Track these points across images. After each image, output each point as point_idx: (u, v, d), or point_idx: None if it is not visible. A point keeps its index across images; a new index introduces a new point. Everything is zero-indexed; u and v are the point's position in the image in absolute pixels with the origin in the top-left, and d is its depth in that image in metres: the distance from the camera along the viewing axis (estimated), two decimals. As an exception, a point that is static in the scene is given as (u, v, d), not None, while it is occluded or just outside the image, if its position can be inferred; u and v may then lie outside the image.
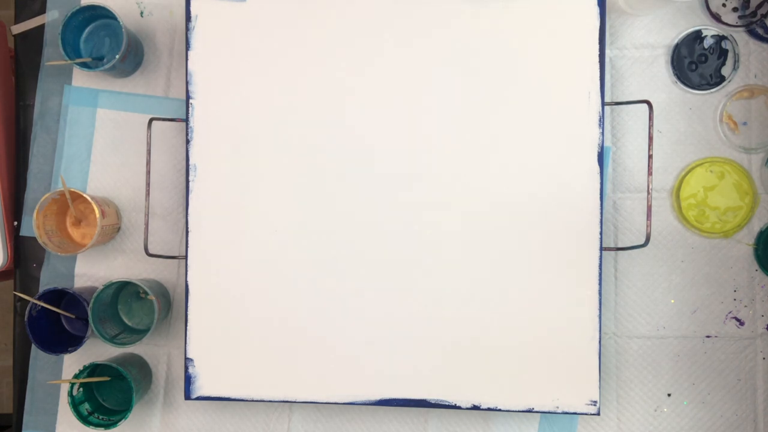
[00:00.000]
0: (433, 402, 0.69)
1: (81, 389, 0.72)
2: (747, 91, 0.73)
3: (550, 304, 0.68)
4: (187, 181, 0.71)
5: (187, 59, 0.71)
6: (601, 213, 0.68)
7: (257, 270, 0.70)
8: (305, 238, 0.70)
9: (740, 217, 0.72)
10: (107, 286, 0.70)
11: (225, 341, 0.70)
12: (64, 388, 0.77)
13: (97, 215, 0.71)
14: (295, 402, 0.70)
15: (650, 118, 0.68)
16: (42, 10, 0.79)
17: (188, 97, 0.71)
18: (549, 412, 0.68)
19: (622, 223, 0.74)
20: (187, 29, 0.71)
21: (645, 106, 0.71)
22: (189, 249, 0.71)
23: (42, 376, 0.77)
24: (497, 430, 0.74)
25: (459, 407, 0.69)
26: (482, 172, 0.69)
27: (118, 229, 0.77)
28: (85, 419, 0.71)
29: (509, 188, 0.69)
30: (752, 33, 0.73)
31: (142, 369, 0.75)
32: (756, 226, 0.73)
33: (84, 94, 0.78)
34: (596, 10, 0.68)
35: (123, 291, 0.77)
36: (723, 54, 0.73)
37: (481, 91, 0.69)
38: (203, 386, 0.70)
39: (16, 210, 0.79)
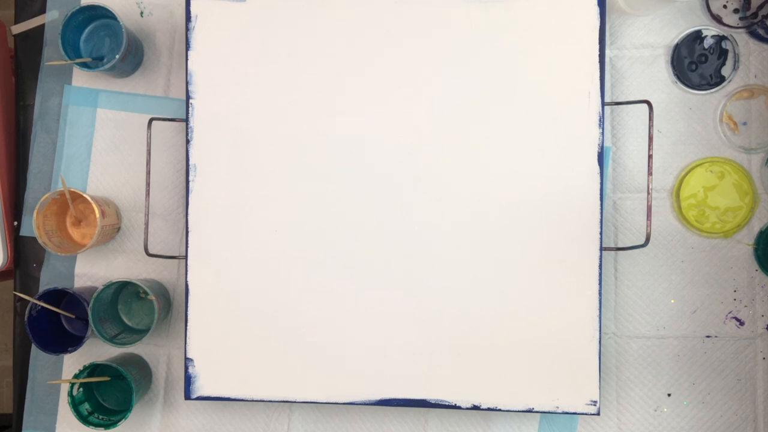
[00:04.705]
0: (433, 402, 0.69)
1: (81, 389, 0.72)
2: (747, 91, 0.73)
3: (550, 304, 0.68)
4: (187, 181, 0.71)
5: (187, 59, 0.71)
6: (601, 213, 0.68)
7: (257, 270, 0.70)
8: (305, 238, 0.70)
9: (740, 217, 0.72)
10: (107, 286, 0.70)
11: (225, 341, 0.70)
12: (64, 388, 0.77)
13: (97, 215, 0.71)
14: (295, 402, 0.70)
15: (650, 118, 0.68)
16: (42, 10, 0.79)
17: (188, 97, 0.71)
18: (549, 412, 0.68)
19: (622, 223, 0.74)
20: (187, 29, 0.71)
21: (645, 106, 0.71)
22: (189, 249, 0.71)
23: (42, 376, 0.77)
24: (497, 430, 0.74)
25: (459, 407, 0.69)
26: (482, 172, 0.69)
27: (118, 229, 0.77)
28: (85, 419, 0.71)
29: (509, 188, 0.69)
30: (753, 34, 0.73)
31: (142, 369, 0.75)
32: (756, 226, 0.73)
33: (84, 94, 0.78)
34: (596, 10, 0.68)
35: (123, 291, 0.77)
36: (723, 54, 0.73)
37: (481, 91, 0.69)
38: (203, 386, 0.70)
39: (16, 210, 0.79)
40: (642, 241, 0.72)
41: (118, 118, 0.78)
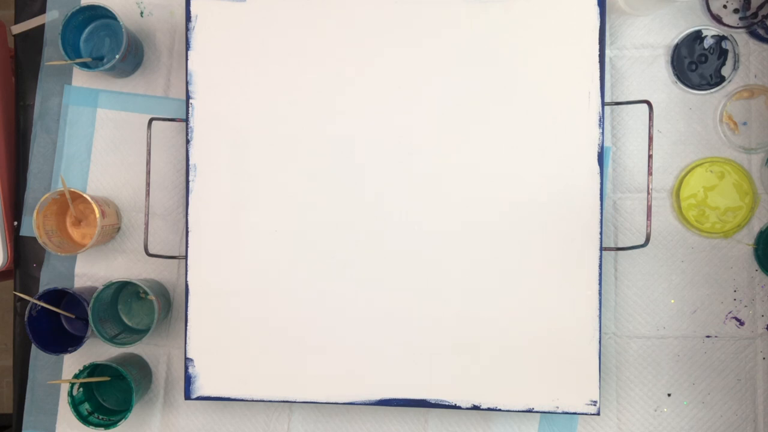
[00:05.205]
0: (433, 402, 0.69)
1: (81, 389, 0.72)
2: (747, 91, 0.73)
3: (550, 304, 0.68)
4: (187, 181, 0.71)
5: (187, 59, 0.71)
6: (601, 213, 0.68)
7: (257, 270, 0.70)
8: (305, 238, 0.70)
9: (740, 217, 0.72)
10: (107, 286, 0.70)
11: (225, 341, 0.70)
12: (64, 388, 0.77)
13: (97, 215, 0.71)
14: (295, 402, 0.70)
15: (650, 118, 0.68)
16: (42, 10, 0.79)
17: (188, 97, 0.71)
18: (549, 412, 0.68)
19: (622, 223, 0.74)
20: (187, 29, 0.71)
21: (645, 106, 0.71)
22: (189, 249, 0.71)
23: (42, 376, 0.77)
24: (497, 430, 0.74)
25: (459, 407, 0.69)
26: (482, 173, 0.69)
27: (118, 229, 0.77)
28: (85, 419, 0.71)
29: (509, 188, 0.69)
30: (753, 34, 0.73)
31: (142, 369, 0.75)
32: (756, 226, 0.73)
33: (84, 94, 0.78)
34: (596, 10, 0.68)
35: (123, 291, 0.77)
36: (723, 54, 0.73)
37: (481, 91, 0.69)
38: (203, 386, 0.70)
39: (16, 210, 0.79)
40: (642, 241, 0.72)
41: (118, 118, 0.78)
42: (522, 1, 0.69)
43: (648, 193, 0.68)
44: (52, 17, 0.78)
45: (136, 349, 0.77)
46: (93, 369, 0.71)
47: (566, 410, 0.68)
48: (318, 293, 0.70)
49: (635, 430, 0.73)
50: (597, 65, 0.68)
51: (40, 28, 0.79)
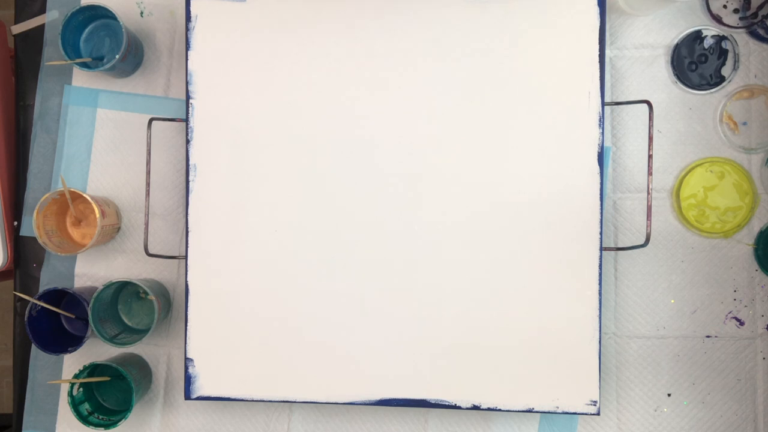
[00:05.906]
0: (433, 402, 0.69)
1: (81, 389, 0.72)
2: (747, 91, 0.73)
3: (550, 304, 0.68)
4: (187, 181, 0.71)
5: (187, 59, 0.71)
6: (601, 213, 0.68)
7: (257, 270, 0.70)
8: (305, 238, 0.70)
9: (740, 217, 0.72)
10: (107, 286, 0.70)
11: (225, 341, 0.70)
12: (64, 388, 0.77)
13: (97, 215, 0.71)
14: (295, 402, 0.70)
15: (650, 118, 0.68)
16: (42, 10, 0.79)
17: (188, 97, 0.71)
18: (549, 412, 0.68)
19: (622, 223, 0.74)
20: (187, 29, 0.71)
21: (645, 106, 0.71)
22: (189, 249, 0.71)
23: (42, 376, 0.77)
24: (497, 430, 0.74)
25: (459, 407, 0.69)
26: (482, 172, 0.69)
27: (118, 229, 0.77)
28: (85, 419, 0.71)
29: (509, 188, 0.69)
30: (753, 34, 0.73)
31: (142, 369, 0.75)
32: (756, 226, 0.73)
33: (84, 94, 0.78)
34: (596, 10, 0.68)
35: (123, 291, 0.77)
36: (723, 54, 0.73)
37: (481, 91, 0.69)
38: (203, 386, 0.70)
39: (16, 210, 0.79)
40: (642, 241, 0.72)
41: (118, 118, 0.78)
42: (522, 1, 0.69)
43: (648, 193, 0.68)
44: (52, 17, 0.78)
45: (136, 349, 0.77)
46: (93, 369, 0.71)
47: (566, 410, 0.68)
48: (318, 293, 0.70)
49: (635, 430, 0.73)
50: (597, 65, 0.68)
51: (40, 28, 0.79)
